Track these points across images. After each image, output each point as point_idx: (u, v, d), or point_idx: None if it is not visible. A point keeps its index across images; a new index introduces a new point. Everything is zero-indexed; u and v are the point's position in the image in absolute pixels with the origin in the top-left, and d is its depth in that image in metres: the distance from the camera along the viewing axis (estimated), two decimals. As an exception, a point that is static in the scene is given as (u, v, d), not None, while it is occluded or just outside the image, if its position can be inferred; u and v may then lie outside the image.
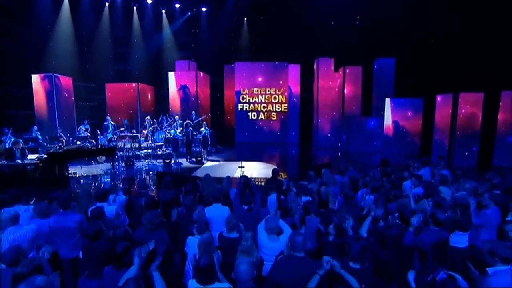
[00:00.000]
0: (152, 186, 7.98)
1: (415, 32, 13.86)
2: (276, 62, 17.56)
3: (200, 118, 14.43)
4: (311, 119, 18.10)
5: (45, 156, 7.85)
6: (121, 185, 7.50)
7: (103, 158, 11.02)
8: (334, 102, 16.64)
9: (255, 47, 17.29)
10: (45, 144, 9.65)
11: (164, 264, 3.20)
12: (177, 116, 13.76)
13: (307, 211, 4.24)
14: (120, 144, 11.52)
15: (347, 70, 15.67)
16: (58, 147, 8.73)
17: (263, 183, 8.66)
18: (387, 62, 15.08)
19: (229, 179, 5.93)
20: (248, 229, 4.34)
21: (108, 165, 10.45)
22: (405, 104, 13.81)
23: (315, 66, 17.09)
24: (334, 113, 16.65)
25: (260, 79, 17.87)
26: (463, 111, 10.58)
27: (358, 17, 16.83)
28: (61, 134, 10.57)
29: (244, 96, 17.96)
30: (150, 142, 12.60)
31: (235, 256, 3.26)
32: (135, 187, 5.26)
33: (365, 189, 5.91)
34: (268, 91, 17.89)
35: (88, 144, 10.91)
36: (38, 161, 7.78)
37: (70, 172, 8.91)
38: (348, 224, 3.55)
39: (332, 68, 16.54)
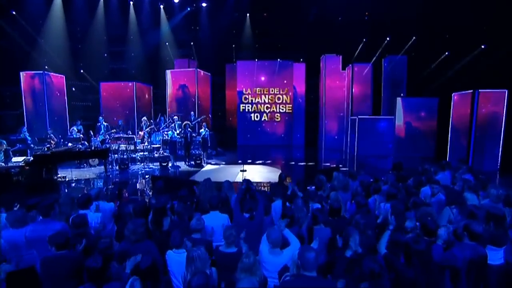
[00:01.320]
0: (148, 191, 7.63)
1: (428, 27, 13.47)
2: (280, 60, 17.33)
3: (199, 119, 14.13)
4: (317, 120, 17.85)
5: (31, 158, 7.53)
6: (109, 191, 7.17)
7: (96, 161, 10.70)
8: (342, 102, 16.31)
9: (258, 45, 17.02)
10: (32, 145, 9.33)
11: (149, 280, 2.83)
12: (175, 117, 13.43)
13: (315, 221, 3.85)
14: (114, 146, 11.20)
15: (356, 68, 15.35)
16: (46, 149, 8.41)
17: (267, 188, 8.30)
18: (398, 60, 14.71)
19: (229, 183, 5.56)
20: (250, 239, 4.00)
21: (101, 169, 10.13)
22: (418, 103, 13.41)
23: (321, 64, 16.89)
24: (341, 114, 16.32)
25: (263, 78, 17.65)
26: (483, 110, 10.13)
27: (366, 13, 16.43)
28: (52, 135, 10.28)
29: (247, 96, 17.74)
30: (146, 144, 12.28)
31: (234, 275, 2.89)
32: (126, 193, 4.91)
33: (377, 195, 5.51)
34: (272, 91, 17.64)
35: (81, 146, 10.63)
36: (23, 164, 7.46)
37: (59, 175, 8.58)
38: (353, 241, 3.15)
39: (340, 66, 16.23)
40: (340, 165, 10.56)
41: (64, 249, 3.06)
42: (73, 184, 8.56)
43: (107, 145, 11.19)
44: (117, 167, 10.50)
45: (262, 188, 8.22)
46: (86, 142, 10.97)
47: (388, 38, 14.92)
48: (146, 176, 9.93)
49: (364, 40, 15.39)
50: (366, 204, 4.51)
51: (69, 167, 10.03)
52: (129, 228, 3.33)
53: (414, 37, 14.09)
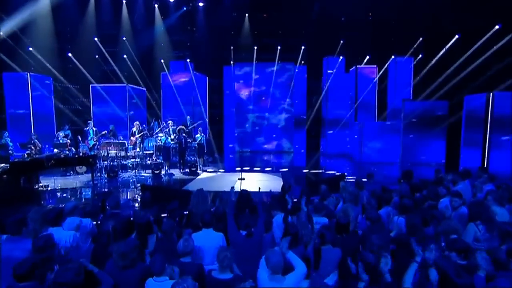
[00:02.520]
0: (135, 203, 7.16)
1: (437, 27, 13.16)
2: (280, 63, 17.02)
3: (195, 124, 13.74)
4: (320, 125, 17.50)
5: (7, 166, 7.05)
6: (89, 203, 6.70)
7: (84, 168, 10.23)
8: (345, 106, 15.94)
9: (258, 46, 16.65)
10: (11, 152, 8.86)
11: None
12: (170, 122, 13.04)
13: (323, 240, 3.39)
14: (103, 152, 10.74)
15: (360, 71, 14.99)
16: (26, 155, 7.94)
17: (266, 196, 7.83)
18: (404, 62, 14.39)
19: (225, 194, 5.08)
20: (247, 261, 3.56)
21: (89, 176, 9.66)
22: (426, 107, 13.02)
23: (323, 67, 16.60)
24: (345, 118, 15.92)
25: (262, 81, 17.28)
26: (499, 113, 9.70)
27: (370, 14, 16.19)
28: (36, 140, 9.80)
29: (245, 100, 17.39)
30: (138, 150, 11.83)
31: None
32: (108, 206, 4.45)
33: (389, 207, 5.06)
34: (272, 94, 17.22)
35: (67, 152, 10.17)
36: (-1, 172, 6.99)
37: (41, 185, 8.11)
38: (385, 264, 2.69)
39: (343, 68, 15.95)
40: (345, 173, 10.12)
41: (28, 280, 2.56)
42: (59, 194, 8.08)
43: (95, 151, 10.74)
44: (106, 175, 10.01)
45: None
46: (72, 148, 10.49)
47: (393, 39, 14.68)
48: (138, 185, 9.47)
49: (369, 41, 15.10)
50: (379, 219, 4.04)
51: (54, 175, 9.58)
52: (119, 250, 2.86)
53: (421, 38, 13.81)
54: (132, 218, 4.42)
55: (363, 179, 6.71)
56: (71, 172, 10.38)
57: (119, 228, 3.84)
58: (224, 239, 3.85)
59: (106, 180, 9.80)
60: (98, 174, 10.26)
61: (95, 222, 4.32)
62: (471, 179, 6.09)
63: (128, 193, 8.68)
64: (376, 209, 4.93)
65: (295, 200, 5.48)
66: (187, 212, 4.91)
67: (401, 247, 3.98)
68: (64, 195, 8.13)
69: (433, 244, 3.33)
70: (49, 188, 8.21)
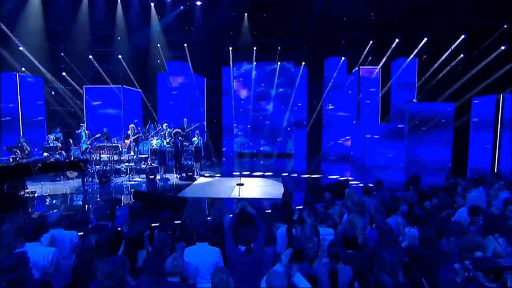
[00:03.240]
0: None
1: (442, 26, 12.93)
2: (280, 63, 16.83)
3: (192, 126, 13.45)
4: (321, 128, 17.29)
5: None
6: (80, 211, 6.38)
7: (74, 173, 9.90)
8: (347, 109, 15.69)
9: (257, 47, 16.42)
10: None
11: None
12: (165, 124, 12.76)
13: (337, 260, 3.07)
14: (95, 156, 10.42)
15: (362, 72, 14.74)
16: (11, 159, 7.60)
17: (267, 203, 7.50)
18: (408, 62, 14.12)
19: (222, 203, 4.77)
20: (246, 278, 3.28)
21: (80, 182, 9.32)
22: (431, 109, 12.75)
23: (325, 68, 16.41)
24: (347, 121, 15.64)
25: (262, 82, 17.11)
26: (510, 115, 9.41)
27: (372, 14, 15.96)
28: (24, 144, 9.48)
29: (245, 102, 17.17)
30: (132, 153, 11.51)
31: None
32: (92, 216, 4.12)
33: (397, 217, 4.76)
34: (272, 95, 17.06)
35: (58, 156, 9.87)
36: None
37: (27, 191, 7.76)
38: None
39: (345, 69, 15.74)
40: (350, 178, 9.82)
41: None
42: (46, 201, 7.72)
43: (87, 155, 10.43)
44: (97, 180, 9.67)
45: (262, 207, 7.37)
46: (63, 152, 10.17)
47: (397, 39, 14.42)
48: (133, 190, 9.13)
49: (371, 41, 14.86)
50: (391, 231, 3.72)
51: (42, 180, 9.24)
52: (103, 270, 2.53)
53: (425, 38, 13.55)
54: (120, 230, 4.11)
55: (369, 184, 6.38)
56: (61, 177, 10.03)
57: (104, 243, 3.51)
58: (220, 254, 3.53)
59: (98, 186, 9.44)
60: (90, 179, 9.93)
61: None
62: (486, 186, 5.79)
63: (121, 199, 8.32)
64: (384, 217, 4.63)
65: (297, 207, 5.16)
66: (180, 222, 4.59)
67: (414, 261, 3.69)
68: (54, 201, 7.78)
69: (457, 264, 3.03)
70: (36, 195, 7.86)
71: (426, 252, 3.61)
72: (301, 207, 5.91)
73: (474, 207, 4.29)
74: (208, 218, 4.97)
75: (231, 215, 4.94)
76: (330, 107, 16.00)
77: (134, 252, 3.76)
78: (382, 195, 6.14)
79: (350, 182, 9.31)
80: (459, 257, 3.58)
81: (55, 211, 4.48)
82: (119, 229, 4.11)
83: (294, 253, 3.20)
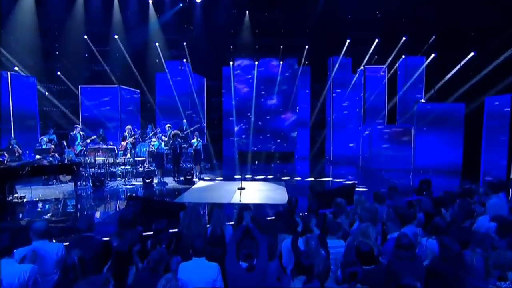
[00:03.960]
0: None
1: (451, 24, 12.59)
2: (283, 63, 16.66)
3: (192, 128, 13.17)
4: (325, 129, 16.93)
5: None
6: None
7: (68, 176, 9.58)
8: (353, 109, 15.42)
9: (259, 46, 16.25)
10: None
11: None
12: (168, 125, 12.55)
13: (354, 279, 2.73)
14: (89, 159, 10.12)
15: (368, 72, 14.45)
16: (-1, 163, 7.28)
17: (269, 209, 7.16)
18: (415, 62, 13.83)
19: (221, 213, 4.41)
20: None
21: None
22: (440, 110, 12.42)
23: (328, 67, 16.16)
24: (352, 122, 15.34)
25: (264, 82, 16.93)
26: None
27: (377, 12, 15.65)
28: (15, 146, 9.17)
29: (246, 102, 16.95)
30: (129, 156, 11.20)
31: None
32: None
33: (413, 226, 4.42)
34: (274, 96, 16.92)
35: (51, 158, 9.57)
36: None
37: (16, 195, 7.45)
38: None
39: (350, 69, 15.50)
40: (355, 181, 9.47)
41: None
42: (35, 206, 7.40)
43: (81, 158, 10.15)
44: (91, 184, 9.36)
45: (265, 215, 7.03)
46: (56, 154, 9.85)
47: (404, 38, 14.13)
48: (129, 194, 8.82)
49: (377, 40, 14.55)
50: (412, 246, 3.36)
51: (35, 184, 8.94)
52: None
53: (433, 36, 13.25)
54: (109, 242, 3.76)
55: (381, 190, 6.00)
56: (54, 180, 9.74)
57: (90, 257, 3.18)
58: (219, 271, 3.18)
59: (91, 190, 9.13)
60: (84, 183, 9.62)
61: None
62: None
63: (115, 204, 7.99)
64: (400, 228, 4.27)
65: (301, 214, 4.80)
66: (177, 230, 4.25)
67: (435, 278, 3.35)
68: (44, 207, 7.46)
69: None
70: (25, 200, 7.54)
71: (449, 267, 3.26)
72: (305, 213, 5.57)
73: (503, 220, 3.92)
74: (208, 225, 4.64)
75: (231, 223, 4.61)
76: (334, 108, 15.68)
77: (124, 268, 3.42)
78: (395, 201, 5.80)
79: (358, 187, 8.98)
80: (486, 274, 3.24)
81: (39, 219, 4.13)
82: (107, 239, 3.77)
83: (300, 270, 2.88)
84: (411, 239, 3.51)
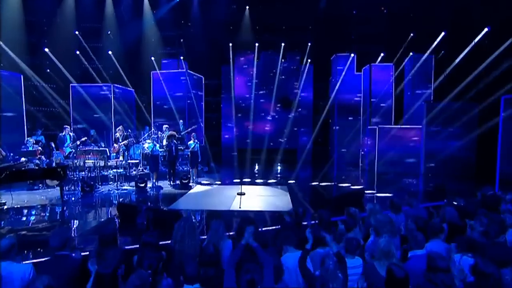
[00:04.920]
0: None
1: (462, 19, 12.19)
2: (284, 61, 16.39)
3: (189, 129, 12.75)
4: (328, 129, 16.70)
5: None
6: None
7: (55, 181, 9.08)
8: (357, 108, 14.97)
9: (259, 43, 15.82)
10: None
11: None
12: (166, 126, 12.21)
13: None
14: (78, 162, 9.64)
15: (374, 70, 14.02)
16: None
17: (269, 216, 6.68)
18: (423, 59, 13.37)
19: (220, 226, 3.93)
20: None
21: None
22: (451, 110, 11.96)
23: (332, 65, 15.86)
24: (357, 122, 14.96)
25: (264, 81, 16.65)
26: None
27: (383, 8, 15.26)
28: (-2, 148, 8.68)
29: (245, 101, 16.70)
30: (121, 158, 10.74)
31: None
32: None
33: (441, 241, 3.95)
34: (274, 95, 16.58)
35: (38, 161, 9.12)
36: None
37: (-4, 202, 6.97)
38: None
39: (354, 67, 15.04)
40: (363, 186, 9.01)
41: None
42: (16, 213, 6.88)
43: (70, 161, 9.68)
44: (80, 189, 8.87)
45: (266, 222, 6.55)
46: (43, 157, 9.41)
47: (411, 34, 13.73)
48: (122, 200, 8.31)
49: (383, 37, 14.16)
50: (448, 270, 2.86)
51: (18, 189, 8.46)
52: None
53: (443, 33, 12.81)
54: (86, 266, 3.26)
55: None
56: (40, 185, 9.26)
57: (64, 281, 2.70)
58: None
59: (80, 195, 8.63)
60: (72, 187, 9.14)
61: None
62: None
63: (104, 212, 7.49)
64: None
65: (310, 226, 4.29)
66: (171, 241, 3.77)
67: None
68: (28, 213, 6.96)
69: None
70: (5, 207, 7.04)
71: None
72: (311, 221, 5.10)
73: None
74: (204, 237, 4.15)
75: (232, 235, 4.09)
76: (337, 108, 15.24)
77: (106, 292, 2.93)
78: (415, 210, 5.32)
79: (366, 192, 8.52)
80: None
81: (5, 237, 3.63)
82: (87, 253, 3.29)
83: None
84: (448, 260, 3.03)
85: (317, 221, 4.65)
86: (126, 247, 4.82)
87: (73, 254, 3.28)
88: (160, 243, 3.71)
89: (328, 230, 4.36)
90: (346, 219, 4.67)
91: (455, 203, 5.35)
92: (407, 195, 5.57)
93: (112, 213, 6.73)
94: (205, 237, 4.06)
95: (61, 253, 3.12)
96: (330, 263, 2.92)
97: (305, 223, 4.97)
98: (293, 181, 11.12)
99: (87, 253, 3.64)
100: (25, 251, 4.40)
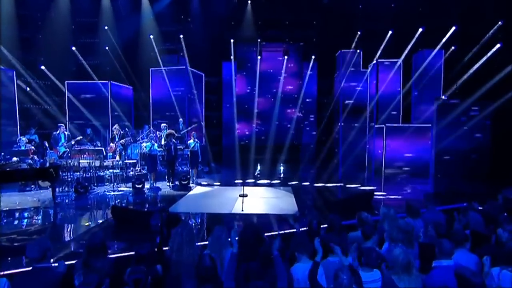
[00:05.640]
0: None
1: (474, 13, 11.83)
2: (287, 57, 16.01)
3: (190, 128, 12.47)
4: (332, 129, 16.30)
5: None
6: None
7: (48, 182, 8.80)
8: (363, 107, 14.54)
9: (262, 39, 15.56)
10: None
11: None
12: (164, 124, 11.92)
13: None
14: (72, 162, 9.35)
15: (381, 67, 13.65)
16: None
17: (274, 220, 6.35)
18: (433, 55, 12.99)
19: (223, 232, 3.61)
20: None
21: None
22: (463, 108, 11.56)
23: (337, 62, 15.51)
24: (363, 120, 14.55)
25: (267, 78, 16.39)
26: None
27: (391, 2, 14.93)
28: (-12, 147, 8.43)
29: (247, 99, 16.51)
30: (118, 158, 10.46)
31: None
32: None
33: (467, 251, 3.63)
34: (277, 93, 16.34)
35: (30, 161, 8.89)
36: None
37: (-18, 205, 6.67)
38: None
39: (360, 63, 14.64)
40: (373, 188, 8.67)
41: None
42: (6, 217, 6.57)
43: (64, 161, 9.41)
44: (74, 191, 8.58)
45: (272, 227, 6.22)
46: (35, 157, 9.12)
47: (420, 29, 13.36)
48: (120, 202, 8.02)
49: (391, 32, 13.79)
50: (483, 287, 2.52)
51: (9, 190, 8.17)
52: None
53: (454, 27, 12.44)
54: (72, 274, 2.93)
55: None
56: (32, 186, 9.00)
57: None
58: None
59: (74, 197, 8.33)
60: (66, 188, 8.86)
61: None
62: None
63: (97, 215, 7.18)
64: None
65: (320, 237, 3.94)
66: (168, 250, 3.44)
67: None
68: (16, 217, 6.65)
69: None
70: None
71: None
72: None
73: None
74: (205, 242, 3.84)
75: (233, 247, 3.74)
76: (343, 106, 14.89)
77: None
78: (432, 214, 4.98)
79: (374, 194, 8.18)
80: None
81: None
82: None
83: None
84: (481, 275, 2.69)
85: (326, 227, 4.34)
86: (120, 254, 4.55)
87: (56, 265, 2.98)
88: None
89: (339, 237, 4.04)
90: (357, 224, 4.34)
91: (480, 207, 4.99)
92: (424, 198, 5.20)
93: (107, 216, 6.45)
94: (206, 242, 3.76)
95: (41, 265, 2.79)
96: (345, 278, 2.59)
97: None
98: (297, 182, 10.81)
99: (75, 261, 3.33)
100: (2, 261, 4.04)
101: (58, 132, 10.34)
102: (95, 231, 3.51)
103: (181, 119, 13.13)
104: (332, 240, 3.49)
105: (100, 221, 6.48)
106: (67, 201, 8.10)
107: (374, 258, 2.99)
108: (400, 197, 8.47)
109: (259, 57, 15.97)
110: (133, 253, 3.23)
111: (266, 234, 5.27)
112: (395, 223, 4.31)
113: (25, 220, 6.36)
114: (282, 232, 5.49)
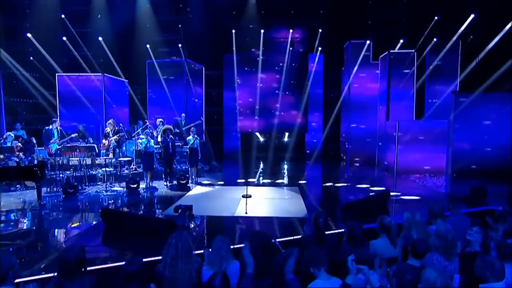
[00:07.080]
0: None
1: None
2: (292, 49, 15.81)
3: (193, 124, 12.13)
4: (339, 125, 16.09)
5: None
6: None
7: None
8: (373, 102, 14.27)
9: (265, 30, 15.18)
10: None
11: None
12: (160, 120, 11.69)
13: None
14: (60, 160, 8.94)
15: (393, 58, 13.22)
16: None
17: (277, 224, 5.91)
18: (449, 45, 12.59)
19: (224, 243, 3.14)
20: None
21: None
22: (481, 101, 11.18)
23: (345, 54, 15.13)
24: (373, 116, 14.26)
25: (270, 71, 16.21)
26: None
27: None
28: (-29, 144, 8.02)
29: (249, 94, 16.32)
30: (111, 156, 10.07)
31: None
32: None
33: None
34: (281, 87, 16.12)
35: (17, 158, 8.50)
36: None
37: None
38: None
39: (370, 55, 14.25)
40: (388, 189, 8.20)
41: None
42: None
43: (52, 158, 9.00)
44: (62, 191, 8.18)
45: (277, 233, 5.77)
46: (21, 154, 8.75)
47: (436, 17, 12.93)
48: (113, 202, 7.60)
49: (403, 21, 13.37)
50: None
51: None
52: None
53: (472, 15, 11.98)
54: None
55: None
56: (18, 186, 8.62)
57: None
58: None
59: (61, 198, 7.91)
60: (54, 188, 8.45)
61: None
62: None
63: (87, 219, 6.74)
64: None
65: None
66: (160, 265, 2.98)
67: None
68: (4, 218, 6.23)
69: None
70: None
71: None
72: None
73: None
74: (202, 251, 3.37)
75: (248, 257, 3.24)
76: (351, 100, 14.50)
77: None
78: (457, 219, 4.50)
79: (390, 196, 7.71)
80: None
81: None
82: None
83: None
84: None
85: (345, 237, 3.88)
86: (110, 265, 4.12)
87: None
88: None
89: (364, 247, 3.58)
90: (378, 230, 3.86)
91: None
92: (447, 199, 4.71)
93: (96, 220, 6.02)
94: (203, 251, 3.30)
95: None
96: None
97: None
98: (304, 182, 10.40)
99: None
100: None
101: (51, 127, 9.81)
102: (72, 243, 3.06)
103: (183, 114, 12.81)
104: (362, 258, 3.01)
105: (88, 225, 6.09)
106: (53, 202, 7.67)
107: (411, 276, 2.50)
108: (417, 197, 8.00)
109: (262, 49, 15.64)
110: (123, 263, 2.77)
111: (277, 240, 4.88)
112: (425, 230, 3.87)
113: (0, 225, 5.89)
114: (292, 238, 5.08)
